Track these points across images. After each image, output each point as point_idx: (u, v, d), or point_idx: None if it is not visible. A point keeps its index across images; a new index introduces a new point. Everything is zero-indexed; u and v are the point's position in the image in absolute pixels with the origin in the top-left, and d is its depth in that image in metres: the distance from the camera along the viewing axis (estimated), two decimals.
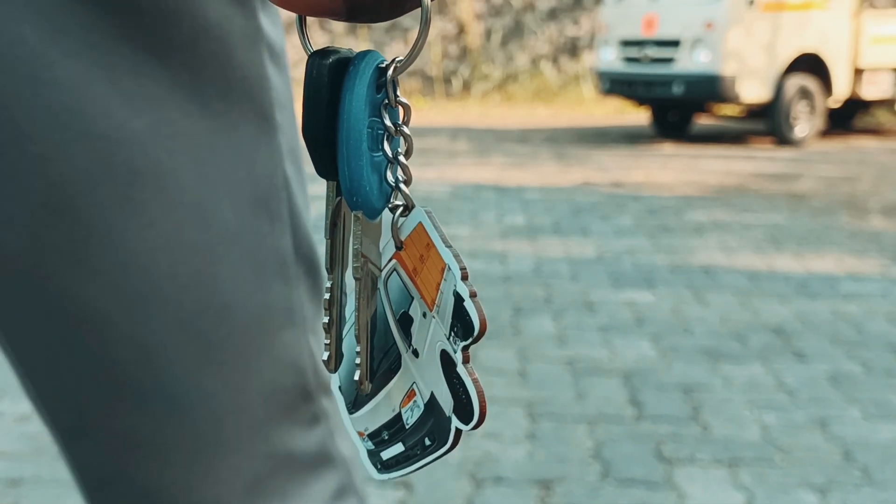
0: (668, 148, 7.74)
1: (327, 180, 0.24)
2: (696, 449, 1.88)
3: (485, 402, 0.22)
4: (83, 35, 0.33)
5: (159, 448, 0.39)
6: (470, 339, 0.22)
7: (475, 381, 0.23)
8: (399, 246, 0.25)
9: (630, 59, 8.13)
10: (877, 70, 8.14)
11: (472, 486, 1.71)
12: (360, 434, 0.27)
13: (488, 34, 12.35)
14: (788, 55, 7.67)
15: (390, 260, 0.25)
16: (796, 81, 7.70)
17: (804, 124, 7.83)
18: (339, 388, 0.27)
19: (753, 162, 6.91)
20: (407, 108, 0.25)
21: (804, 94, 7.74)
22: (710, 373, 2.35)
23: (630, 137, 8.54)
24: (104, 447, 0.39)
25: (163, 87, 0.35)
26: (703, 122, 9.66)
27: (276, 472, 0.41)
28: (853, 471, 1.79)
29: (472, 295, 0.22)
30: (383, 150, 0.24)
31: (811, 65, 7.79)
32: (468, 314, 0.22)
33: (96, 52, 0.34)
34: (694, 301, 3.04)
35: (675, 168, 6.52)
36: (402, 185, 0.25)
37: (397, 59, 0.24)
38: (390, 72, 0.24)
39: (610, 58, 8.33)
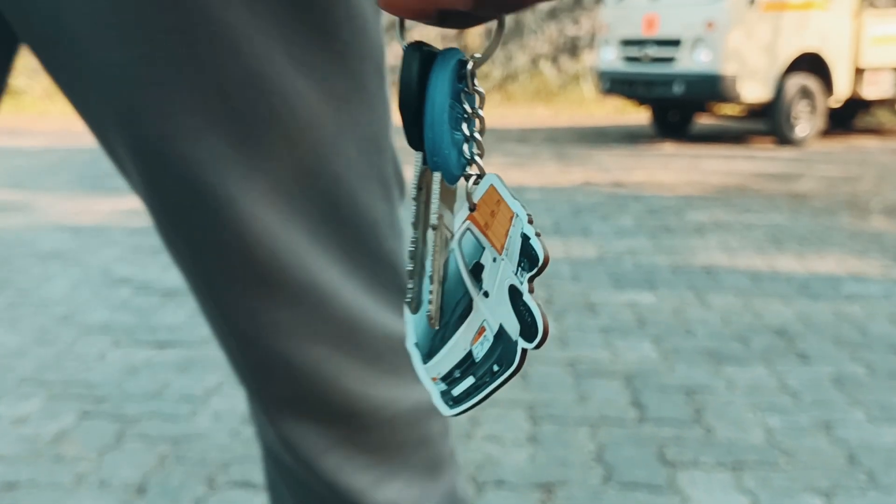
0: (669, 148, 7.72)
1: (415, 150, 0.29)
2: (699, 452, 1.86)
3: (547, 321, 0.26)
4: (273, 18, 0.44)
5: (312, 334, 0.50)
6: (535, 270, 0.26)
7: (538, 305, 0.26)
8: (472, 208, 0.29)
9: (630, 59, 8.11)
10: (877, 70, 8.13)
11: (474, 489, 1.69)
12: (434, 379, 0.30)
13: (488, 33, 12.33)
14: (789, 55, 7.66)
15: (464, 221, 0.29)
16: (797, 81, 7.68)
17: (805, 124, 7.82)
18: (416, 344, 0.31)
19: (754, 162, 6.89)
20: (482, 96, 0.29)
21: (805, 93, 7.73)
22: (713, 375, 2.33)
23: (630, 137, 8.52)
24: (274, 341, 0.50)
25: (323, 55, 0.46)
26: (703, 121, 9.65)
27: (389, 351, 0.53)
28: (858, 474, 1.77)
29: (537, 234, 0.27)
30: (461, 129, 0.29)
31: (812, 65, 7.78)
32: (534, 249, 0.26)
33: (280, 30, 0.44)
34: (696, 302, 3.02)
35: (675, 168, 6.50)
36: (476, 158, 0.29)
37: (475, 55, 0.29)
38: (470, 64, 0.29)
39: (610, 57, 8.31)
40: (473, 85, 0.29)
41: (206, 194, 0.45)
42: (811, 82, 7.74)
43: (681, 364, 2.41)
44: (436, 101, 0.28)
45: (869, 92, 8.14)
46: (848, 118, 9.19)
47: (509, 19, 12.20)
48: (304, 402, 0.51)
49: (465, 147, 0.29)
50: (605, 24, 8.42)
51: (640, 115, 9.95)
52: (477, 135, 0.29)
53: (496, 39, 0.28)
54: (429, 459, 0.56)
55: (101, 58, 0.43)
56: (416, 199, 0.30)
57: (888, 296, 3.11)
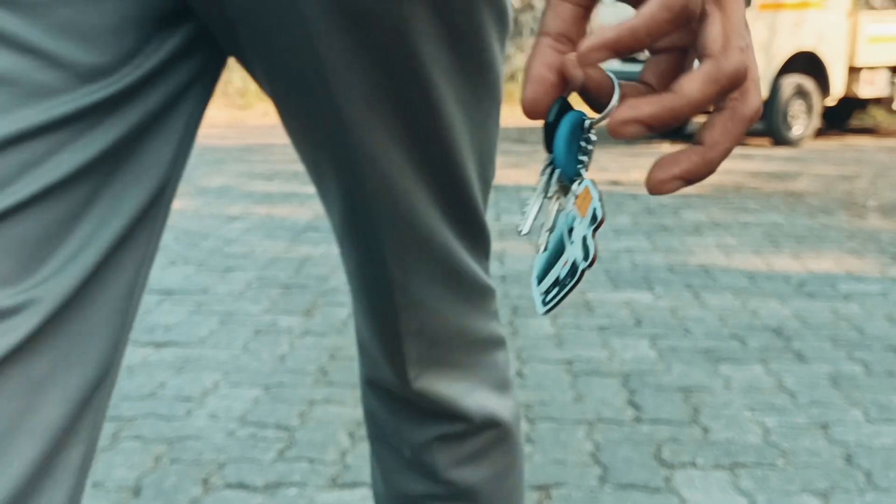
0: (666, 147, 7.72)
1: (548, 152, 0.47)
2: (696, 452, 1.86)
3: (597, 253, 0.53)
4: (454, 77, 0.61)
5: (440, 280, 0.69)
6: (596, 225, 0.43)
7: (595, 244, 0.44)
8: (575, 198, 0.46)
9: (626, 59, 8.11)
10: (873, 69, 8.13)
11: None
12: (541, 293, 0.47)
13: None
14: (785, 54, 7.66)
15: (572, 204, 0.46)
16: (793, 80, 7.68)
17: (801, 123, 7.82)
18: (536, 276, 0.48)
19: (751, 161, 6.89)
20: (594, 141, 0.46)
21: (801, 93, 7.73)
22: (710, 374, 2.33)
23: None
24: (418, 286, 0.69)
25: (474, 100, 0.64)
26: (699, 121, 9.65)
27: (478, 293, 0.73)
28: (855, 475, 1.76)
29: (602, 210, 0.44)
30: (576, 156, 0.46)
31: (808, 64, 7.78)
32: (597, 215, 0.44)
33: (456, 86, 0.62)
34: (693, 301, 3.02)
35: None
36: (582, 171, 0.46)
37: (592, 118, 0.44)
38: (587, 122, 0.45)
39: None
40: (588, 133, 0.45)
41: (391, 187, 0.63)
42: (807, 81, 7.74)
43: (678, 363, 2.40)
44: (561, 137, 0.46)
45: (865, 91, 8.15)
46: (844, 117, 9.19)
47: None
48: (425, 329, 0.71)
49: (579, 167, 0.46)
50: (602, 24, 8.42)
51: None
52: (585, 159, 0.46)
53: (607, 114, 0.43)
54: (499, 379, 0.77)
55: (339, 91, 0.59)
56: (546, 182, 0.48)
57: (885, 294, 3.11)
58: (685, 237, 4.09)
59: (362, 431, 1.96)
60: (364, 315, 0.73)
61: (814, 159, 6.99)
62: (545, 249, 0.49)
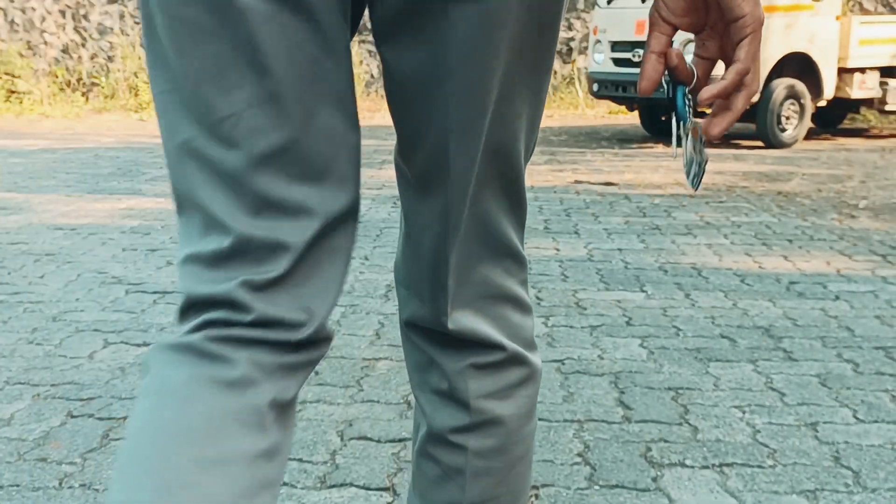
0: (659, 149, 7.74)
1: (673, 112, 0.79)
2: (684, 452, 1.87)
3: (694, 122, 0.80)
4: (528, 68, 0.78)
5: (485, 247, 0.83)
6: (689, 124, 0.78)
7: (695, 124, 0.78)
8: (688, 129, 0.78)
9: (621, 62, 8.12)
10: (864, 70, 8.18)
11: None
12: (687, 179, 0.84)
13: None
14: (778, 56, 7.68)
15: (690, 131, 0.78)
16: (785, 82, 7.71)
17: (792, 125, 7.84)
18: (686, 173, 0.81)
19: (742, 162, 6.91)
20: (693, 99, 0.78)
21: (792, 94, 7.75)
22: (700, 374, 2.33)
23: (621, 138, 8.54)
24: (477, 260, 0.83)
25: (537, 81, 0.79)
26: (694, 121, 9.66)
27: (507, 255, 0.85)
28: (844, 475, 1.77)
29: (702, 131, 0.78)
30: (685, 107, 0.78)
31: (799, 66, 7.80)
32: (703, 140, 0.78)
33: (526, 78, 0.78)
34: (684, 301, 3.03)
35: (665, 168, 6.51)
36: (689, 115, 0.78)
37: (689, 87, 0.79)
38: (687, 90, 0.78)
39: (601, 60, 8.32)
40: (688, 96, 0.77)
41: (468, 134, 0.77)
42: (799, 83, 7.77)
43: (668, 363, 2.41)
44: (679, 101, 0.77)
45: (856, 92, 8.18)
46: (835, 119, 9.23)
47: None
48: (462, 273, 0.83)
49: (687, 114, 0.77)
50: (597, 27, 8.42)
51: (631, 117, 9.97)
52: (691, 110, 0.77)
53: (694, 86, 0.78)
54: (526, 338, 0.89)
55: (451, 53, 0.73)
56: (676, 127, 0.78)
57: (875, 294, 3.13)
58: (677, 237, 4.10)
59: (352, 431, 1.97)
60: (426, 257, 0.84)
61: (805, 160, 7.01)
62: (681, 157, 0.80)
